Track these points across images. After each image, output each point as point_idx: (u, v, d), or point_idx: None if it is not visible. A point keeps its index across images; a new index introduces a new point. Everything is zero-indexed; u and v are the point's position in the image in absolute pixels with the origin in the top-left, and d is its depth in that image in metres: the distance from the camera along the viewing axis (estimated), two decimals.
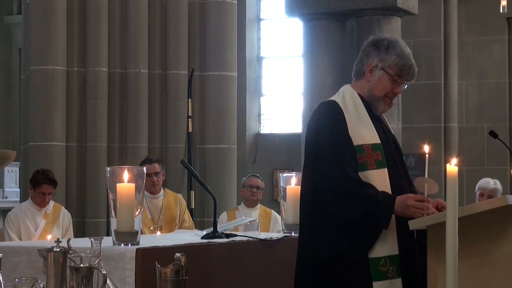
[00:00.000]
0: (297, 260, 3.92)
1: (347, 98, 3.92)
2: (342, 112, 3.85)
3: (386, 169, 3.82)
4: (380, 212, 3.70)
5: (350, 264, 3.77)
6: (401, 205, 3.69)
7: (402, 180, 3.90)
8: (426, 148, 3.81)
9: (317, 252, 3.80)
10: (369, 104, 3.94)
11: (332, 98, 3.97)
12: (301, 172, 3.98)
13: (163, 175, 7.63)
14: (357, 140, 3.82)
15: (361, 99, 3.93)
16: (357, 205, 3.71)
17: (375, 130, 3.87)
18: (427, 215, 3.66)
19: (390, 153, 3.90)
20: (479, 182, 7.85)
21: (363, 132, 3.85)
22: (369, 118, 3.89)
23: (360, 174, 3.78)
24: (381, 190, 3.75)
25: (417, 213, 3.66)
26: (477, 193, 7.77)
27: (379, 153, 3.82)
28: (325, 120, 3.86)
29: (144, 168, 4.02)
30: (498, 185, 7.77)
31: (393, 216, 3.75)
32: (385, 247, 3.77)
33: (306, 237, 3.87)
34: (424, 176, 3.80)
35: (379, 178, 3.78)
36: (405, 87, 3.96)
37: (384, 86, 3.91)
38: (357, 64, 4.00)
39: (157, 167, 7.47)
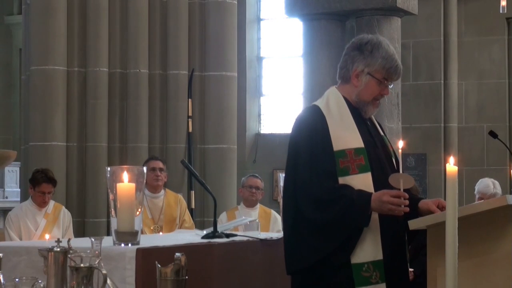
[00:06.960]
0: (286, 266, 3.85)
1: (332, 102, 3.88)
2: (324, 117, 3.81)
3: (369, 174, 3.75)
4: (357, 211, 3.64)
5: (333, 269, 3.71)
6: (377, 201, 3.63)
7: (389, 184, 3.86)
8: (400, 144, 3.78)
9: (301, 259, 3.74)
10: (355, 107, 3.88)
11: (316, 102, 3.93)
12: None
13: (165, 176, 7.65)
14: (339, 145, 3.75)
15: (347, 103, 3.88)
16: (333, 208, 3.65)
17: (358, 134, 3.81)
18: (403, 211, 3.61)
19: (376, 157, 3.83)
20: (478, 185, 7.65)
21: (346, 136, 3.78)
22: (354, 122, 3.83)
23: (341, 179, 3.72)
24: (357, 189, 3.69)
25: (393, 209, 3.60)
26: (477, 197, 7.55)
27: (362, 157, 3.75)
28: (305, 127, 3.83)
29: (144, 168, 4.02)
30: (498, 188, 7.54)
31: (377, 220, 3.69)
32: (368, 253, 3.70)
33: (290, 243, 3.81)
34: (399, 172, 3.75)
35: (362, 183, 3.71)
36: (391, 86, 3.92)
37: (373, 90, 3.86)
38: (342, 68, 3.93)
39: (161, 163, 7.57)
